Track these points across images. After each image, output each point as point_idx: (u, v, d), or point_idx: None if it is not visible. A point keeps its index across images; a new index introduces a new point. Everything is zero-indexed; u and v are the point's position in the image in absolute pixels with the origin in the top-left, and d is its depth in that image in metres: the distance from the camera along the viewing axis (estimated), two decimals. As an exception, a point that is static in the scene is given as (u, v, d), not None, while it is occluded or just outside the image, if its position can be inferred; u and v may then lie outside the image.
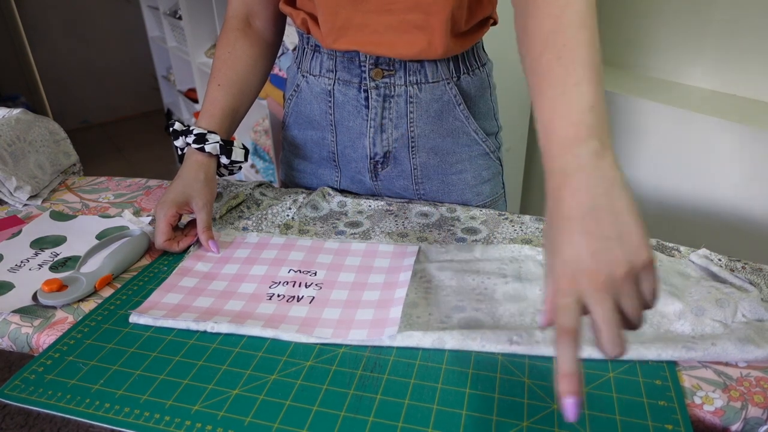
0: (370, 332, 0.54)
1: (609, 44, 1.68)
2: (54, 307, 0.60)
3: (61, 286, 0.61)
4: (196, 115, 2.37)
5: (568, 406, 0.36)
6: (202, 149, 0.73)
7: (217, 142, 0.73)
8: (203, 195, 0.71)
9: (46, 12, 3.29)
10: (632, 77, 1.58)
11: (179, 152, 0.76)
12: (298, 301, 0.60)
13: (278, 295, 0.61)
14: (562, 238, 0.40)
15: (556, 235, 0.40)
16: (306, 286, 0.62)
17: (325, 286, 0.62)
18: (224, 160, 0.75)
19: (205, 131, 0.73)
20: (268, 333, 0.54)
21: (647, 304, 0.39)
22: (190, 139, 0.73)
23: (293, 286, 0.62)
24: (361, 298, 0.60)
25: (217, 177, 0.76)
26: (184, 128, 0.74)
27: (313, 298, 0.60)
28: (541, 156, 0.43)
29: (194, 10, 2.16)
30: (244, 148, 0.77)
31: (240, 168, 0.79)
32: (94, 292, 0.62)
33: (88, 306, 0.60)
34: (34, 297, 0.61)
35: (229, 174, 0.79)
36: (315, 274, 0.64)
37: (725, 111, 1.30)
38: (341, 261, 0.67)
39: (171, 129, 0.75)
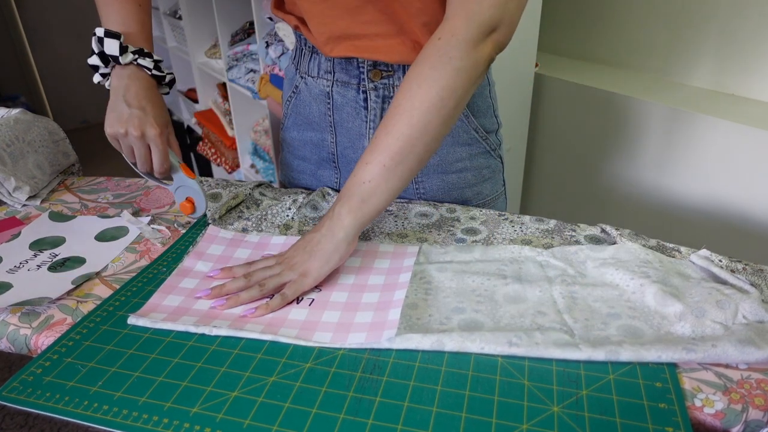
0: (368, 335, 0.54)
1: (610, 44, 1.68)
2: (52, 301, 0.59)
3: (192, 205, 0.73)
4: (197, 115, 2.36)
5: None
6: (161, 78, 0.73)
7: (171, 74, 0.75)
8: (168, 122, 0.73)
9: (46, 12, 3.29)
10: (632, 77, 1.58)
11: (103, 68, 0.72)
12: (297, 303, 0.60)
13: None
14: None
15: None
16: None
17: (325, 288, 0.62)
18: (164, 90, 0.76)
19: (161, 59, 0.73)
20: (268, 337, 0.54)
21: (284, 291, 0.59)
22: (148, 63, 0.71)
23: None
24: (360, 301, 0.60)
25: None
26: (136, 48, 0.71)
27: (313, 300, 0.60)
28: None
29: (194, 10, 2.15)
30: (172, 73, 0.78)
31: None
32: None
33: (87, 307, 0.60)
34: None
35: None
36: None
37: (726, 111, 1.30)
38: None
39: (113, 40, 0.69)
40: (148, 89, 0.71)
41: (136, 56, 0.70)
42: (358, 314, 0.57)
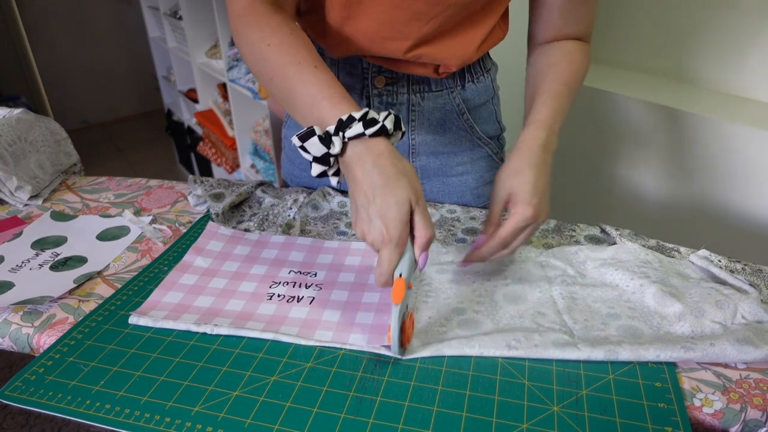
0: (369, 338, 0.54)
1: (610, 44, 1.68)
2: (54, 300, 0.60)
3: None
4: (197, 115, 2.37)
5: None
6: (386, 133, 0.52)
7: (390, 113, 0.54)
8: (419, 185, 0.53)
9: (46, 12, 3.29)
10: (632, 78, 1.58)
11: (328, 157, 0.53)
12: (298, 301, 0.60)
13: (278, 295, 0.61)
14: (525, 174, 0.59)
15: (520, 170, 0.60)
16: (306, 287, 0.62)
17: (325, 286, 0.62)
18: (398, 137, 0.56)
19: (377, 114, 0.53)
20: (269, 336, 0.54)
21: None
22: (357, 128, 0.51)
23: (293, 286, 0.62)
24: (361, 300, 0.60)
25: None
26: (360, 116, 0.52)
27: (313, 298, 0.60)
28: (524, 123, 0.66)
29: (194, 10, 2.16)
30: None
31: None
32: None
33: (89, 306, 0.60)
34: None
35: None
36: (315, 274, 0.64)
37: (726, 111, 1.30)
38: (341, 261, 0.67)
39: (311, 138, 0.52)
40: (393, 165, 0.51)
41: (363, 127, 0.52)
42: (359, 314, 0.58)
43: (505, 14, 0.71)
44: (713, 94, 1.42)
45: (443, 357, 0.52)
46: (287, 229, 0.74)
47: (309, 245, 0.70)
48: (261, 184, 0.84)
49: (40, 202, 0.83)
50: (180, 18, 2.28)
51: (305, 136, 0.52)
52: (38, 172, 0.86)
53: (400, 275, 0.49)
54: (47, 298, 0.60)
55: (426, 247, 0.51)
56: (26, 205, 0.82)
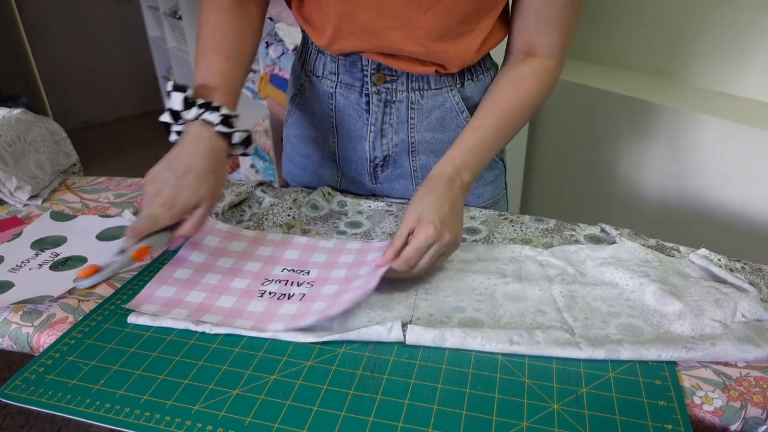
0: (357, 298, 0.55)
1: (610, 44, 1.68)
2: (54, 299, 0.60)
3: (98, 270, 0.59)
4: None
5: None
6: (229, 136, 0.63)
7: (247, 131, 0.64)
8: (217, 192, 0.63)
9: (46, 12, 3.29)
10: (632, 78, 1.58)
11: (174, 125, 0.64)
12: (288, 298, 0.60)
13: (270, 293, 0.61)
14: (427, 200, 0.61)
15: (423, 198, 0.62)
16: (298, 285, 0.62)
17: (317, 283, 0.62)
18: (239, 151, 0.66)
19: (234, 114, 0.63)
20: (253, 333, 0.55)
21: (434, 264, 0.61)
22: (214, 117, 0.61)
23: (285, 284, 0.62)
24: (350, 286, 0.60)
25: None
26: (204, 101, 0.62)
27: (304, 295, 0.60)
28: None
29: (194, 10, 2.16)
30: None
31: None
32: (132, 264, 0.62)
33: (89, 306, 0.60)
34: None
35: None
36: (308, 273, 0.64)
37: (726, 111, 1.30)
38: (335, 259, 0.67)
39: (178, 93, 0.62)
40: (205, 152, 0.61)
41: (202, 110, 0.62)
42: (349, 295, 0.58)
43: (505, 14, 0.71)
44: (713, 94, 1.42)
45: (443, 355, 0.52)
46: (287, 229, 0.74)
47: (304, 244, 0.70)
48: (261, 184, 0.84)
49: (39, 202, 0.83)
50: (179, 18, 2.28)
51: (180, 88, 0.62)
52: (38, 172, 0.86)
53: (151, 245, 0.59)
54: (47, 298, 0.60)
55: (178, 238, 0.62)
56: (26, 205, 0.82)
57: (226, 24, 0.67)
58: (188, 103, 0.62)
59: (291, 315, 0.57)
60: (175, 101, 0.62)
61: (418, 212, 0.60)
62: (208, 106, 0.62)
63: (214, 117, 0.62)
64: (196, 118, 0.62)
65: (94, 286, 0.63)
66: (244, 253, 0.68)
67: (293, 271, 0.65)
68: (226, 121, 0.62)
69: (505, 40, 0.74)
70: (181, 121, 0.63)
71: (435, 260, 0.60)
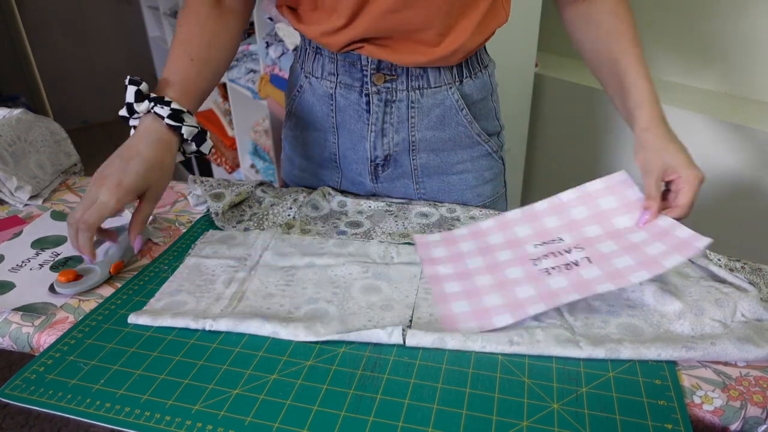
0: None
1: (609, 44, 1.68)
2: (55, 305, 0.60)
3: (77, 276, 0.62)
4: (197, 115, 2.36)
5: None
6: (178, 129, 0.64)
7: (196, 126, 0.66)
8: (162, 184, 0.64)
9: (46, 12, 3.29)
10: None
11: (131, 119, 0.66)
12: (577, 265, 0.59)
13: (553, 267, 0.60)
14: (671, 147, 0.65)
15: (665, 145, 0.66)
16: (568, 252, 0.62)
17: (585, 244, 0.63)
18: (191, 148, 0.68)
19: (184, 109, 0.65)
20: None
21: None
22: (164, 111, 0.63)
23: (558, 256, 0.62)
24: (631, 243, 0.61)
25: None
26: (155, 96, 0.64)
27: (588, 258, 0.60)
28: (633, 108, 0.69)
29: (194, 10, 2.16)
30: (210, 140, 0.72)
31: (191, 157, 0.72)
32: (110, 278, 0.64)
33: (89, 306, 0.60)
34: (51, 288, 0.62)
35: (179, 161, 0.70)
36: (561, 240, 0.65)
37: (726, 112, 1.30)
38: (568, 217, 0.67)
39: (132, 87, 0.64)
40: (153, 142, 0.63)
41: (153, 104, 0.64)
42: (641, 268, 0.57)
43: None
44: (713, 93, 1.42)
45: (443, 355, 0.52)
46: (287, 228, 0.74)
47: (518, 218, 0.69)
48: (261, 183, 0.84)
49: (40, 202, 0.83)
50: (180, 18, 2.28)
51: (134, 82, 0.63)
52: (38, 172, 0.86)
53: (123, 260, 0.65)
54: (51, 307, 0.60)
55: (131, 239, 0.64)
56: (26, 205, 0.82)
57: (199, 30, 0.70)
58: (141, 97, 0.64)
59: (591, 280, 0.57)
60: (129, 94, 0.64)
61: (664, 160, 0.63)
62: (159, 101, 0.64)
63: (163, 111, 0.63)
64: (148, 111, 0.64)
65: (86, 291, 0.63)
66: (479, 248, 0.66)
67: (545, 243, 0.65)
68: (177, 116, 0.64)
69: (501, 37, 0.74)
70: (136, 115, 0.65)
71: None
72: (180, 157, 0.68)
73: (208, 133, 0.69)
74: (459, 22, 0.69)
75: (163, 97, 0.64)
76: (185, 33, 0.70)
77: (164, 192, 0.65)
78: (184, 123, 0.64)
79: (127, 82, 0.64)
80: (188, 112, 0.66)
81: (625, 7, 0.73)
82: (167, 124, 0.64)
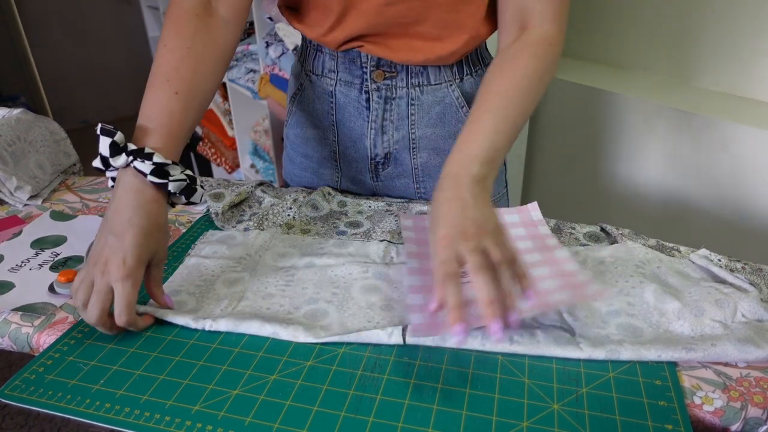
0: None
1: (611, 44, 1.68)
2: (54, 306, 0.60)
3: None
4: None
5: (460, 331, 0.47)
6: (164, 186, 0.56)
7: (184, 180, 0.57)
8: (164, 246, 0.57)
9: (46, 12, 3.29)
10: (632, 77, 1.58)
11: (107, 171, 0.57)
12: None
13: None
14: (437, 216, 0.54)
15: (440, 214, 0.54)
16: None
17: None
18: (181, 200, 0.59)
19: (168, 162, 0.56)
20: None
21: (508, 251, 0.51)
22: (146, 166, 0.54)
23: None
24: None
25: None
26: (134, 148, 0.55)
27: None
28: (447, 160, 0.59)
29: (194, 10, 2.16)
30: (202, 186, 0.64)
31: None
32: None
33: (89, 306, 0.60)
34: (51, 288, 0.62)
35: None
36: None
37: (726, 111, 1.30)
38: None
39: (106, 138, 0.55)
40: (141, 207, 0.54)
41: (132, 158, 0.54)
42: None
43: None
44: (713, 93, 1.42)
45: (443, 355, 0.52)
46: (287, 229, 0.74)
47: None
48: (261, 184, 0.84)
49: (39, 202, 0.83)
50: (179, 18, 2.28)
51: (107, 132, 0.55)
52: (38, 172, 0.86)
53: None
54: (50, 307, 0.60)
55: (161, 303, 0.57)
56: (26, 205, 0.82)
57: (184, 52, 0.60)
58: (118, 149, 0.55)
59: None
60: (103, 146, 0.55)
61: (432, 233, 0.54)
62: (139, 154, 0.55)
63: (145, 166, 0.54)
64: (127, 166, 0.55)
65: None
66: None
67: None
68: (161, 170, 0.55)
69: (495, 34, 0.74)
70: (112, 168, 0.56)
71: (485, 258, 0.50)
72: (169, 208, 0.59)
73: (199, 182, 0.61)
74: (457, 18, 0.68)
75: (143, 149, 0.55)
76: (168, 60, 0.60)
77: (166, 254, 0.58)
78: (170, 178, 0.56)
79: (99, 132, 0.56)
80: (174, 163, 0.57)
81: (528, 58, 0.63)
82: (151, 182, 0.55)
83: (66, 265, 0.67)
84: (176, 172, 0.56)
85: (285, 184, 0.93)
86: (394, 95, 0.74)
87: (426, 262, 0.63)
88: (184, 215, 0.78)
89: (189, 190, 0.58)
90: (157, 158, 0.55)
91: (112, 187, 0.57)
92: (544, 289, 0.55)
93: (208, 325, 0.55)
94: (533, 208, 0.72)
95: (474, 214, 0.52)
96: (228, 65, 0.68)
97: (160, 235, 0.56)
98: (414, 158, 0.78)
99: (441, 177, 0.57)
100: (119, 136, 0.55)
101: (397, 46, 0.70)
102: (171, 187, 0.56)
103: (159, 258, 0.56)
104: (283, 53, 1.59)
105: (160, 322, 0.57)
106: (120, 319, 0.52)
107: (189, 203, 0.60)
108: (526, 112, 0.63)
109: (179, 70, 0.60)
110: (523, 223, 0.69)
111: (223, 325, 0.55)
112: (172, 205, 0.60)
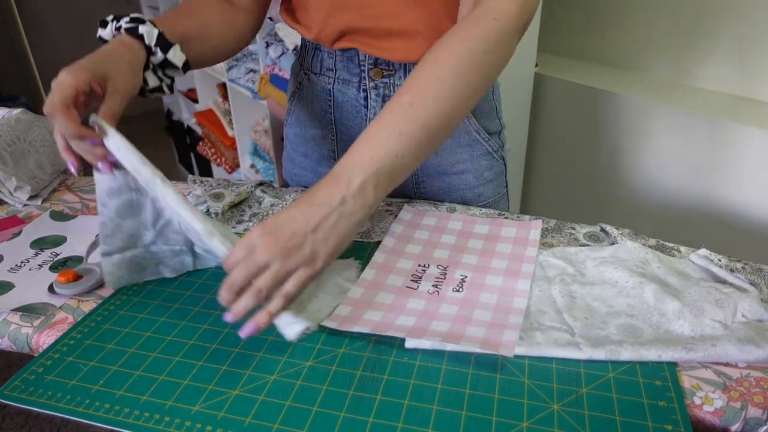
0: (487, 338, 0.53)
1: (610, 44, 1.68)
2: (54, 306, 0.60)
3: (76, 276, 0.62)
4: (197, 115, 2.36)
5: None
6: (134, 30, 0.61)
7: (154, 29, 0.62)
8: (124, 79, 0.58)
9: (46, 12, 3.29)
10: (632, 77, 1.58)
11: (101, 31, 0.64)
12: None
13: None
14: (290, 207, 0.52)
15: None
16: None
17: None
18: (158, 56, 0.63)
19: (142, 17, 0.62)
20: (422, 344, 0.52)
21: (285, 287, 0.50)
22: (123, 21, 0.61)
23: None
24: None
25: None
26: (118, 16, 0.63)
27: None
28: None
29: (194, 10, 2.16)
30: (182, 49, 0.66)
31: (171, 85, 0.68)
32: None
33: (88, 306, 0.60)
34: (50, 288, 0.62)
35: (157, 91, 0.66)
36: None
37: (726, 111, 1.30)
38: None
39: (102, 22, 0.63)
40: (114, 42, 0.61)
41: (115, 21, 0.62)
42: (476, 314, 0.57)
43: None
44: (713, 93, 1.42)
45: (443, 355, 0.52)
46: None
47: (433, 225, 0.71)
48: (261, 183, 0.84)
49: (39, 202, 0.83)
50: (179, 18, 2.28)
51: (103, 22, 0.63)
52: (37, 172, 0.86)
53: None
54: (50, 307, 0.60)
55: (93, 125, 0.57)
56: (25, 205, 0.82)
57: (188, 7, 0.69)
58: (105, 23, 0.63)
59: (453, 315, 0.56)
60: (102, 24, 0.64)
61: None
62: (120, 18, 0.63)
63: (123, 21, 0.62)
64: (113, 30, 0.62)
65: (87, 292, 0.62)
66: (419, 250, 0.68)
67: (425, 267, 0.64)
68: (136, 20, 0.62)
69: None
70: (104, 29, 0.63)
71: (279, 281, 0.49)
72: (155, 82, 0.64)
73: (178, 46, 0.64)
74: (434, 18, 0.67)
75: (125, 15, 0.62)
76: (180, 7, 0.68)
77: (129, 93, 0.60)
78: (142, 23, 0.61)
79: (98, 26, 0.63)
80: (145, 21, 0.62)
81: (465, 30, 0.57)
82: (126, 29, 0.61)
83: (66, 265, 0.67)
84: (149, 28, 0.61)
85: (285, 184, 0.93)
86: (391, 93, 0.74)
87: (392, 259, 0.65)
88: (183, 215, 0.78)
89: (163, 44, 0.62)
90: (134, 15, 0.62)
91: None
92: (473, 318, 0.55)
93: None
94: (535, 227, 0.70)
95: (300, 226, 0.50)
96: (243, 41, 0.75)
97: (122, 64, 0.58)
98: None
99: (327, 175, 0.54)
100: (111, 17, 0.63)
101: (391, 46, 0.70)
102: (142, 29, 0.61)
103: (114, 85, 0.57)
104: (283, 53, 1.59)
105: (160, 324, 0.57)
106: (49, 107, 0.53)
107: (167, 66, 0.64)
108: (454, 107, 0.55)
109: (181, 22, 0.66)
110: (516, 240, 0.68)
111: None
112: (155, 72, 0.64)
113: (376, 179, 0.52)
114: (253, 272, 0.49)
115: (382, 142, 0.53)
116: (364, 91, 0.74)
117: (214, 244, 0.53)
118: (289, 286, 0.50)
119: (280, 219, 0.51)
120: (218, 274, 0.65)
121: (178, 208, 0.55)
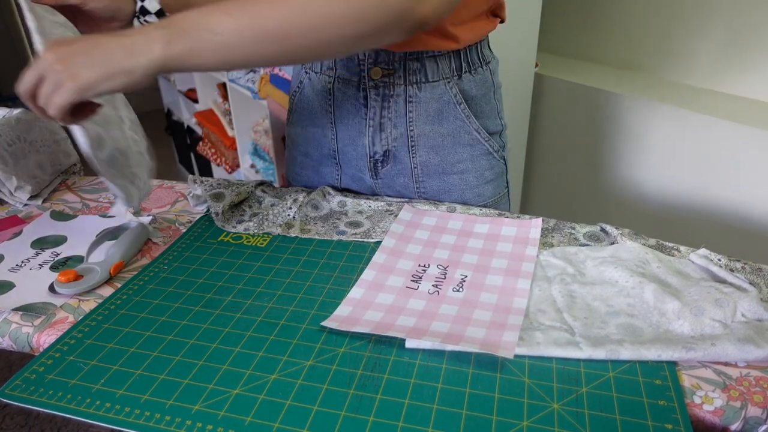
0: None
1: (610, 44, 1.68)
2: (55, 305, 0.60)
3: (77, 276, 0.62)
4: (197, 115, 2.36)
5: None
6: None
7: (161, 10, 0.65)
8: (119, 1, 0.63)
9: (46, 12, 3.29)
10: (632, 77, 1.58)
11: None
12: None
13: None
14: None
15: None
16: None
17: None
18: (137, 3, 0.66)
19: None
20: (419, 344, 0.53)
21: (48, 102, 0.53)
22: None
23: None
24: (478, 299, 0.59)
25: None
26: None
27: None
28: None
29: (194, 10, 2.15)
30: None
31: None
32: (110, 278, 0.64)
33: (89, 306, 0.60)
34: (51, 288, 0.62)
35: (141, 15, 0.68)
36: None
37: (726, 111, 1.30)
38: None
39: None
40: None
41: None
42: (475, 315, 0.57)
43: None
44: (713, 93, 1.42)
45: (443, 355, 0.52)
46: (287, 228, 0.74)
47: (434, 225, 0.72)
48: (261, 183, 0.84)
49: (39, 202, 0.83)
50: (179, 18, 2.28)
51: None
52: (38, 172, 0.86)
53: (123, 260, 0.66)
54: (51, 307, 0.60)
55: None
56: (26, 205, 0.82)
57: None
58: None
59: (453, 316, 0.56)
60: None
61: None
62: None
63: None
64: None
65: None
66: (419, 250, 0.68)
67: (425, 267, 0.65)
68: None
69: (504, 33, 0.73)
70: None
71: (41, 84, 0.53)
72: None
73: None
74: None
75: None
76: None
77: (117, 14, 0.65)
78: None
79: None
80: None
81: None
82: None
83: (66, 265, 0.67)
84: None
85: (287, 183, 0.93)
86: (391, 92, 0.74)
87: (392, 260, 0.65)
88: (184, 215, 0.78)
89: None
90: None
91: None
92: (473, 318, 0.56)
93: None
94: (535, 225, 0.70)
95: (80, 47, 0.51)
96: None
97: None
98: (413, 157, 0.78)
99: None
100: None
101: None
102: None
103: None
104: (283, 53, 1.59)
105: (160, 323, 0.57)
106: None
107: (145, 11, 0.66)
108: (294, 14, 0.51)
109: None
110: (516, 239, 0.68)
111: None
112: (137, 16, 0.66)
113: (171, 36, 0.51)
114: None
115: (206, 10, 0.52)
116: (364, 90, 0.74)
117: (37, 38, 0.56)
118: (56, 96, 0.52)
119: (74, 41, 0.53)
120: (218, 274, 0.65)
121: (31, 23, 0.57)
